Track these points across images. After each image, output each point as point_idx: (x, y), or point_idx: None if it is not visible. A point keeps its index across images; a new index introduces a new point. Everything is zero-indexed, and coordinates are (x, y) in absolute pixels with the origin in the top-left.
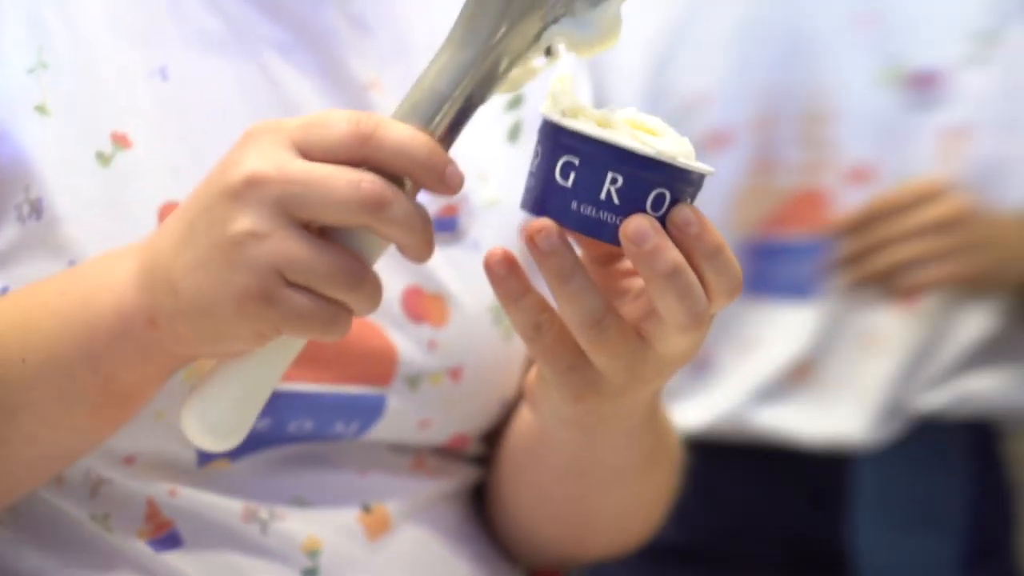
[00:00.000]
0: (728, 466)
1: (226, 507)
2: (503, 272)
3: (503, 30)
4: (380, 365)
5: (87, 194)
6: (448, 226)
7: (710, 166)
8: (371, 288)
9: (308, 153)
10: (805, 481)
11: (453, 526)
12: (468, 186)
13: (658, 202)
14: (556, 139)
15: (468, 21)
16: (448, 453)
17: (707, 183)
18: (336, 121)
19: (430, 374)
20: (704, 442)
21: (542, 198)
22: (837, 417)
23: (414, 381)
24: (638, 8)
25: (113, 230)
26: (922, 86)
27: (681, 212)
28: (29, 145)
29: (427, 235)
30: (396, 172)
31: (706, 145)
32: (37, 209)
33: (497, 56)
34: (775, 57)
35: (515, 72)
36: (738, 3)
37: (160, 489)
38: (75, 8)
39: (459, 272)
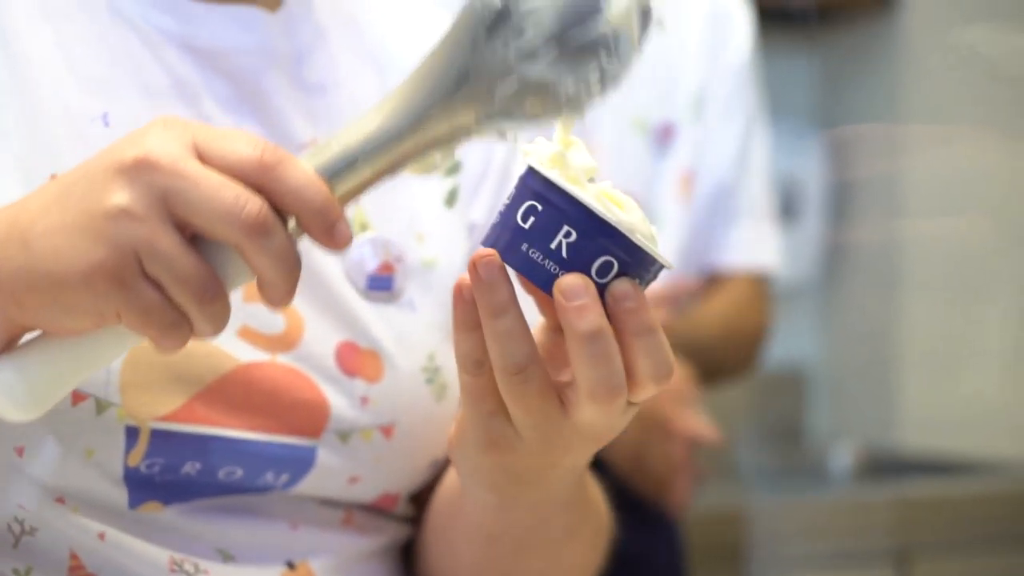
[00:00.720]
0: None
1: (152, 558)
2: (469, 297)
3: (434, 115)
4: (312, 417)
5: None
6: (384, 285)
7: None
8: (219, 309)
9: (208, 160)
10: None
11: None
12: (405, 247)
13: (604, 269)
14: (529, 183)
15: (403, 95)
16: (376, 511)
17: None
18: (245, 141)
19: (361, 429)
20: None
21: (497, 234)
22: None
23: (345, 435)
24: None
25: None
26: (662, 136)
27: (621, 284)
28: None
29: (292, 279)
30: (287, 210)
31: None
32: None
33: (422, 137)
34: None
35: (436, 155)
36: None
37: (89, 533)
38: (20, 48)
39: (394, 331)
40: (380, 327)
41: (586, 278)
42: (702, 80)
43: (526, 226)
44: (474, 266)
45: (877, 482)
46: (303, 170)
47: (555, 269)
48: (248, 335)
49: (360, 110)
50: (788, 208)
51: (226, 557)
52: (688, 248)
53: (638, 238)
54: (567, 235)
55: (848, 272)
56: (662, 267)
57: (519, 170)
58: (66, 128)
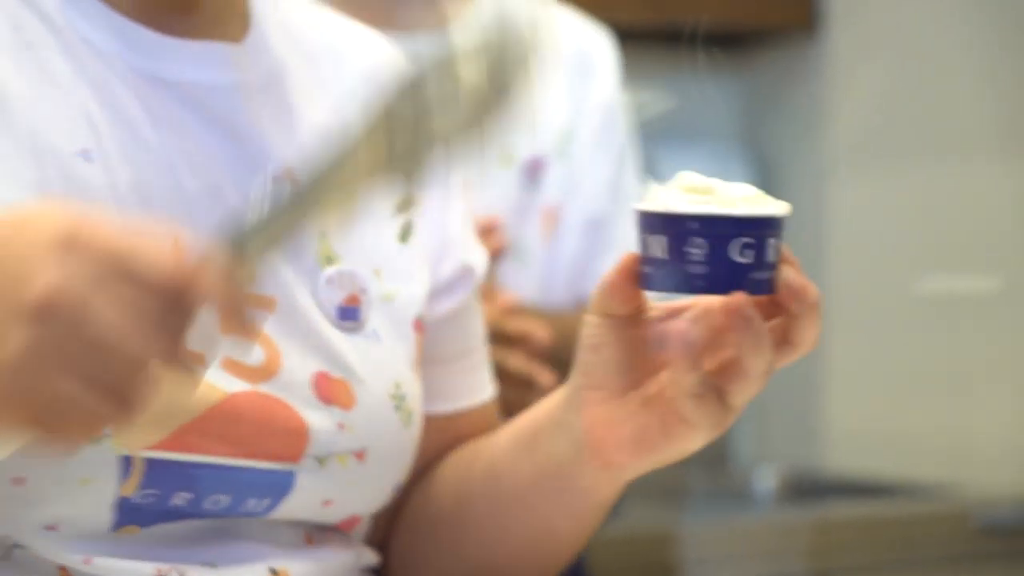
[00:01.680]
0: None
1: (137, 570)
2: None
3: (334, 174)
4: (293, 443)
5: None
6: (352, 315)
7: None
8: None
9: (119, 285)
10: None
11: None
12: (367, 280)
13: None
14: (720, 226)
15: (310, 179)
16: (336, 532)
17: None
18: (157, 264)
19: (338, 454)
20: None
21: (716, 276)
22: None
23: (323, 460)
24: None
25: None
26: (531, 171)
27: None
28: None
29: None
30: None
31: None
32: None
33: (308, 220)
34: None
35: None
36: None
37: (75, 558)
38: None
39: (363, 359)
40: (352, 356)
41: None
42: (568, 117)
43: (744, 260)
44: (738, 312)
45: (801, 504)
46: (212, 280)
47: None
48: (231, 367)
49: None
50: None
51: (212, 564)
52: (556, 280)
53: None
54: (749, 247)
55: None
56: (779, 217)
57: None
58: (53, 166)
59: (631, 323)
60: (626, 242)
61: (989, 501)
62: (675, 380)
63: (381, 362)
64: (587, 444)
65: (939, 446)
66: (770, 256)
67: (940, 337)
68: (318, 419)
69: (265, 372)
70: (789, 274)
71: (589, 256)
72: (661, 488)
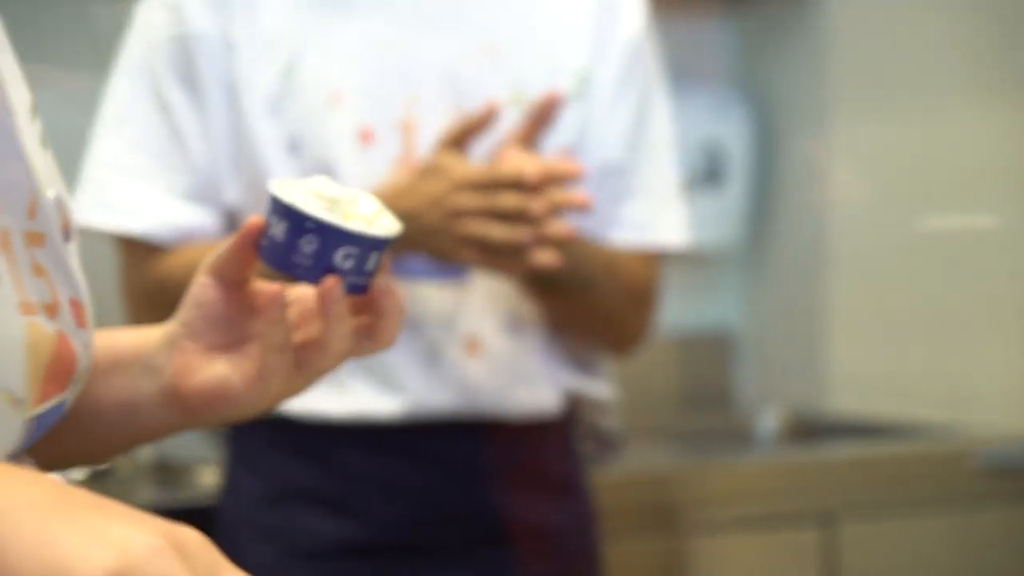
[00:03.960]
0: (402, 457)
1: None
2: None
3: None
4: (70, 372)
5: None
6: (68, 237)
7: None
8: None
9: None
10: (482, 462)
11: None
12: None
13: (344, 257)
14: (332, 234)
15: None
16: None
17: (361, 173)
18: None
19: (84, 374)
20: (380, 435)
21: (318, 271)
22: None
23: (78, 382)
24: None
25: None
26: (545, 110)
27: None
28: None
29: None
30: None
31: (352, 139)
32: None
33: None
34: (421, 71)
35: None
36: (376, 14)
37: None
38: None
39: (80, 279)
40: (78, 277)
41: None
42: (588, 59)
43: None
44: (326, 296)
45: (803, 445)
46: None
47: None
48: (31, 308)
49: None
50: (713, 174)
51: None
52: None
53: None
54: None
55: (774, 237)
56: (384, 238)
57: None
58: None
59: (238, 287)
60: (645, 191)
61: (989, 441)
62: (262, 335)
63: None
64: (169, 388)
65: (940, 386)
66: (369, 266)
67: (941, 277)
68: (80, 345)
69: (53, 308)
70: (383, 281)
71: (605, 202)
72: (665, 430)
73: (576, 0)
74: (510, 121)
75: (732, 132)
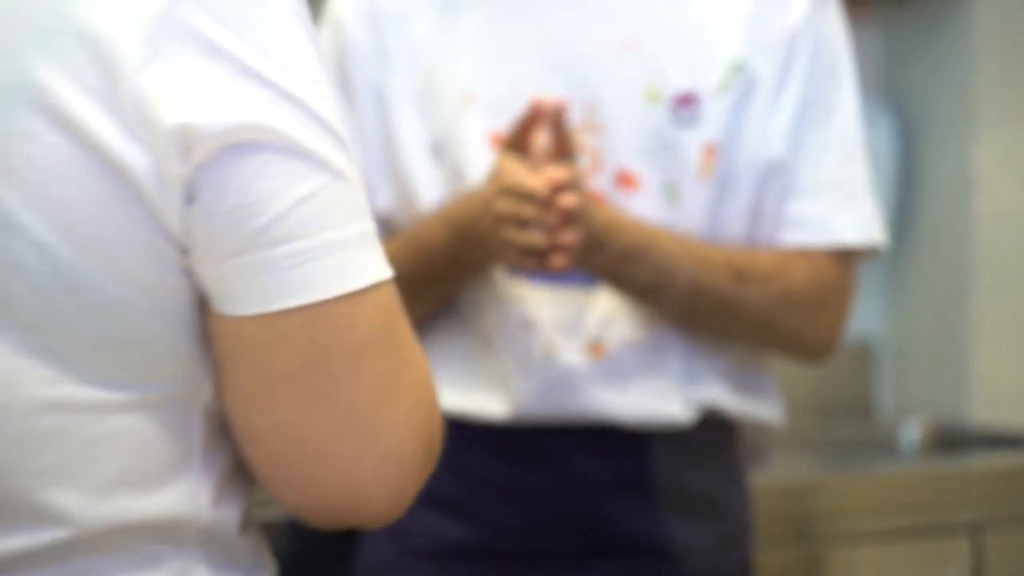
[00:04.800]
0: (520, 459)
1: None
2: None
3: None
4: None
5: None
6: None
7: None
8: None
9: None
10: (599, 469)
11: None
12: None
13: None
14: None
15: None
16: None
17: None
18: None
19: None
20: (498, 435)
21: None
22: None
23: None
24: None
25: None
26: (684, 106)
27: None
28: None
29: None
30: None
31: (484, 143)
32: None
33: None
34: (555, 71)
35: None
36: (512, 15)
37: None
38: None
39: None
40: None
41: None
42: (743, 51)
43: None
44: None
45: (946, 456)
46: None
47: None
48: None
49: None
50: None
51: None
52: (725, 220)
53: None
54: None
55: (918, 245)
56: None
57: None
58: None
59: None
60: (815, 188)
61: None
62: None
63: None
64: None
65: None
66: None
67: None
68: None
69: None
70: None
71: (770, 201)
72: (807, 440)
73: None
74: (649, 117)
75: (877, 139)
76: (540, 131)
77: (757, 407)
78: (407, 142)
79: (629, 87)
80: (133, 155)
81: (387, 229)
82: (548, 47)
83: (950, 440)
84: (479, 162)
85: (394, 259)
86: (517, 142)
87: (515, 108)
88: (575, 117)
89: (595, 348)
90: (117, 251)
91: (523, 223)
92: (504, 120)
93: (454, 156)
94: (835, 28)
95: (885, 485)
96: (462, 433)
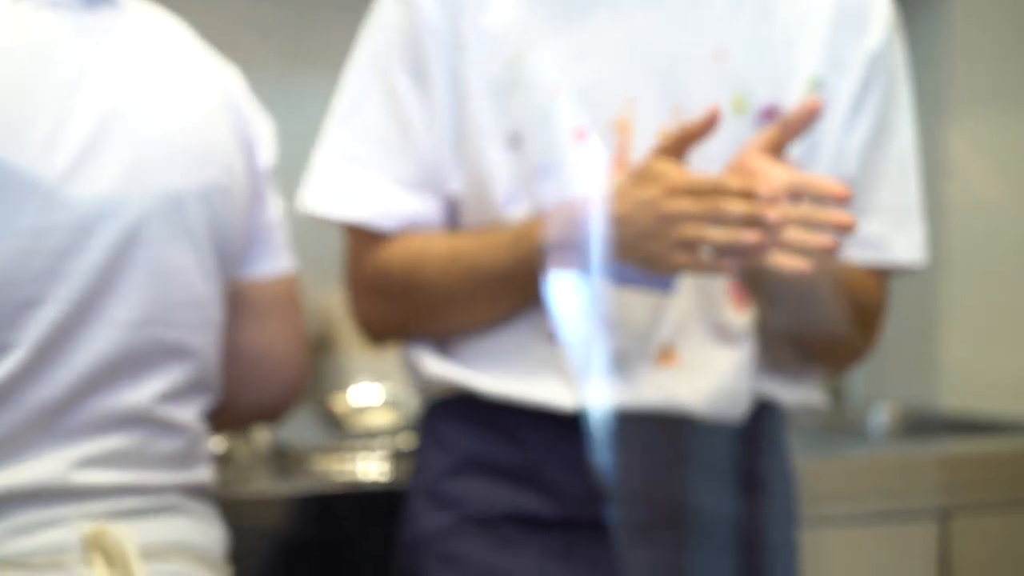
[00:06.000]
0: (586, 434)
1: None
2: None
3: None
4: None
5: None
6: None
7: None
8: None
9: None
10: (665, 444)
11: None
12: None
13: None
14: None
15: None
16: None
17: (574, 173)
18: None
19: None
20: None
21: None
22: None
23: None
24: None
25: None
26: (767, 119)
27: None
28: None
29: None
30: None
31: (570, 137)
32: None
33: None
34: (644, 70)
35: None
36: (596, 9)
37: None
38: None
39: None
40: None
41: None
42: (822, 69)
43: None
44: None
45: (915, 441)
46: None
47: None
48: None
49: None
50: None
51: None
52: None
53: None
54: None
55: None
56: None
57: None
58: None
59: None
60: (880, 209)
61: None
62: None
63: None
64: None
65: None
66: None
67: None
68: None
69: None
70: None
71: None
72: None
73: (815, 6)
74: (734, 129)
75: None
76: (699, 141)
77: (808, 394)
78: (483, 131)
79: (716, 97)
80: None
81: (458, 215)
82: (636, 48)
83: (919, 426)
84: (565, 157)
85: (447, 273)
86: (678, 147)
87: (602, 105)
88: (659, 120)
89: (666, 354)
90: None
91: (712, 221)
92: (591, 117)
93: (536, 149)
94: (901, 52)
95: (854, 470)
96: (527, 411)
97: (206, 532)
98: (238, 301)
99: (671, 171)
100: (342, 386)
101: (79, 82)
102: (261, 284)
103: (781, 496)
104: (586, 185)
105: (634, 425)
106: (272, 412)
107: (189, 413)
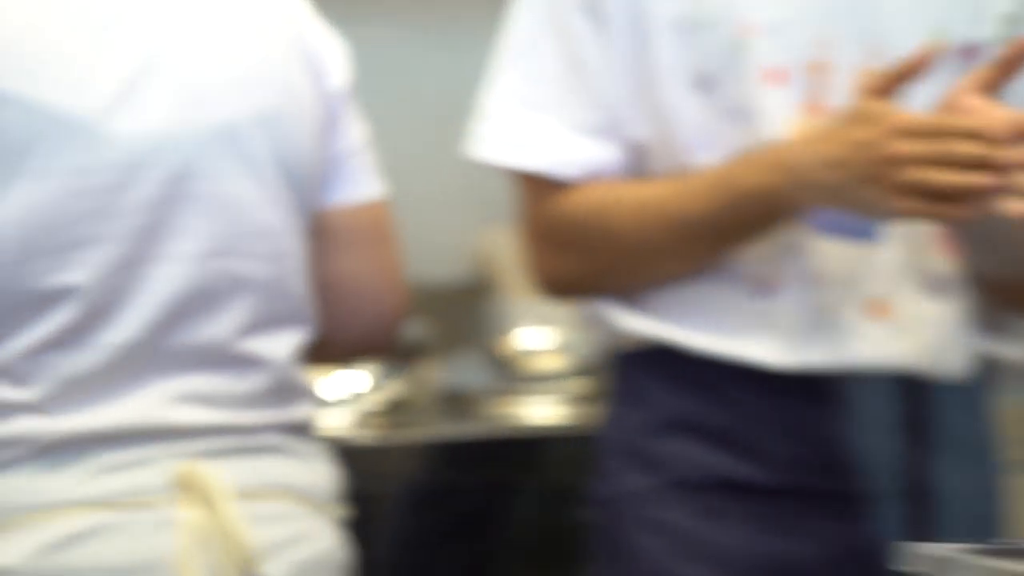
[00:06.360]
0: (796, 395)
1: None
2: None
3: None
4: None
5: None
6: None
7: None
8: None
9: None
10: (878, 410)
11: None
12: None
13: None
14: None
15: None
16: None
17: (769, 116)
18: None
19: None
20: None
21: None
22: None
23: None
24: None
25: None
26: (967, 58)
27: None
28: None
29: None
30: None
31: (762, 79)
32: None
33: None
34: (837, 8)
35: None
36: None
37: None
38: None
39: None
40: None
41: None
42: (1015, 4)
43: None
44: None
45: None
46: None
47: None
48: None
49: None
50: None
51: None
52: None
53: None
54: None
55: None
56: None
57: None
58: None
59: None
60: None
61: None
62: None
63: None
64: None
65: None
66: None
67: None
68: None
69: None
70: None
71: None
72: None
73: None
74: (935, 70)
75: None
76: (909, 82)
77: (1017, 350)
78: (668, 73)
79: (916, 36)
80: None
81: (643, 161)
82: None
83: None
84: (756, 101)
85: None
86: (887, 87)
87: (796, 45)
88: (855, 60)
89: (877, 306)
90: None
91: (939, 164)
92: (785, 57)
93: (727, 93)
94: None
95: None
96: (734, 368)
97: (309, 472)
98: (321, 231)
99: (888, 112)
100: (505, 329)
101: (121, 13)
102: (343, 212)
103: (993, 463)
104: (782, 130)
105: (853, 385)
106: (371, 346)
107: (277, 347)
